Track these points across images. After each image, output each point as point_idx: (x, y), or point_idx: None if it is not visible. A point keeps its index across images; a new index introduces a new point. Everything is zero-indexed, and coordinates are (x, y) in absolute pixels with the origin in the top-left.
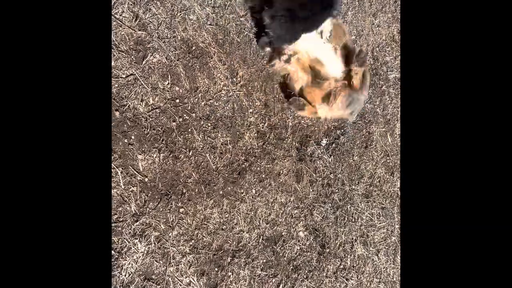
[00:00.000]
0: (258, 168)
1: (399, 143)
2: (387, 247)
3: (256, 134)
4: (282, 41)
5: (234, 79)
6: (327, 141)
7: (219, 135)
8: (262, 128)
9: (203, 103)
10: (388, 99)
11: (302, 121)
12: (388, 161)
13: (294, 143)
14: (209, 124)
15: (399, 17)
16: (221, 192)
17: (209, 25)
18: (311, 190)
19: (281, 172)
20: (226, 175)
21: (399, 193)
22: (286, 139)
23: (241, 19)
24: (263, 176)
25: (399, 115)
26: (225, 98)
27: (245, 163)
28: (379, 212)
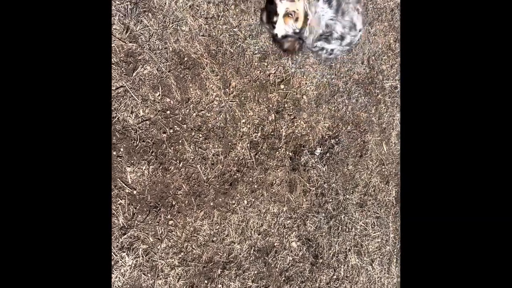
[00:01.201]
0: (251, 179)
1: (395, 152)
2: (381, 257)
3: (248, 145)
4: None
5: (227, 89)
6: (321, 150)
7: (211, 146)
8: (255, 138)
9: (194, 114)
10: (384, 107)
11: (296, 131)
12: (383, 169)
13: (287, 153)
14: (200, 135)
15: (397, 25)
16: (211, 204)
17: (202, 36)
18: (304, 200)
19: (274, 182)
20: (217, 186)
21: (394, 202)
22: (280, 149)
23: (234, 29)
24: (256, 186)
25: (395, 123)
26: (217, 109)
27: (237, 174)
28: (373, 222)
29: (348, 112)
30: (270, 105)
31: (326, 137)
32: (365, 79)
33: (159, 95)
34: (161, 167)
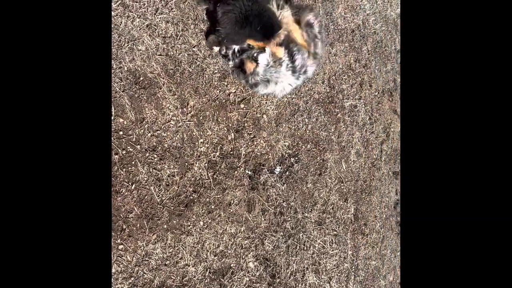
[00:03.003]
0: (208, 199)
1: (354, 169)
2: (339, 274)
3: (206, 164)
4: (231, 40)
5: (185, 109)
6: (281, 169)
7: (166, 166)
8: (214, 157)
9: (149, 134)
10: (343, 126)
11: (256, 150)
12: (342, 187)
13: (246, 172)
14: (155, 156)
15: (357, 46)
16: (165, 226)
17: (159, 55)
18: (262, 219)
19: (232, 202)
20: (172, 208)
21: (352, 219)
22: (238, 168)
23: (193, 49)
24: (213, 207)
25: (354, 142)
26: (174, 129)
27: (194, 195)
28: (331, 239)
29: (308, 131)
30: (230, 124)
31: (286, 155)
32: (325, 98)
33: (112, 115)
34: (112, 190)
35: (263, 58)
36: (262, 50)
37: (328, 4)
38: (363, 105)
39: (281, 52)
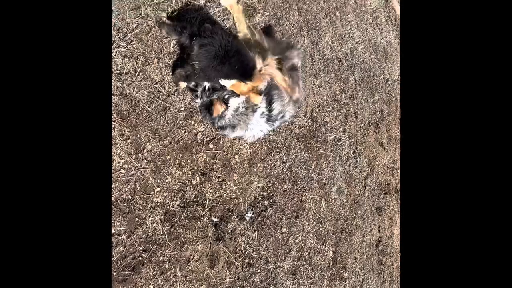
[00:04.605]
0: (161, 258)
1: (334, 208)
2: None
3: (162, 217)
4: (204, 77)
5: (140, 154)
6: (253, 214)
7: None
8: (172, 208)
9: None
10: (325, 162)
11: (225, 194)
12: (320, 229)
13: (212, 219)
14: None
15: (343, 76)
16: None
17: (112, 95)
18: (228, 274)
19: (192, 257)
20: (115, 273)
21: (330, 263)
22: (202, 218)
23: (155, 85)
24: (167, 266)
25: (335, 178)
26: (124, 179)
27: (144, 254)
28: None
29: (285, 170)
30: (195, 167)
31: (259, 198)
32: (307, 133)
33: None
34: None
35: (234, 102)
36: (235, 93)
37: (314, 33)
38: (348, 138)
39: (258, 99)
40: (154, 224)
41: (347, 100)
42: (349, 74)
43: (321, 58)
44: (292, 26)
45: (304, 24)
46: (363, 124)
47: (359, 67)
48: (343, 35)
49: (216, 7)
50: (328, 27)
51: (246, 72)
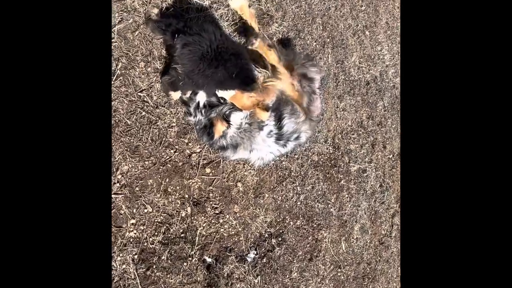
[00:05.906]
0: None
1: (356, 249)
2: None
3: (136, 256)
4: (189, 84)
5: (112, 177)
6: (256, 254)
7: None
8: (151, 244)
9: None
10: (347, 196)
11: (222, 229)
12: (339, 274)
13: (204, 259)
14: None
15: (371, 100)
16: None
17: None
18: None
19: None
20: None
21: None
22: (190, 258)
23: (139, 93)
24: None
25: (359, 215)
26: None
27: None
28: None
29: (299, 203)
30: (187, 196)
31: (266, 236)
32: (327, 161)
33: None
34: None
35: (237, 118)
36: (237, 107)
37: (340, 51)
38: (374, 170)
39: (265, 116)
40: (124, 266)
41: (375, 127)
42: (378, 99)
43: (347, 79)
44: (315, 41)
45: (328, 40)
46: (392, 155)
47: (389, 92)
48: (372, 56)
49: (225, 8)
50: (355, 46)
51: (247, 80)
